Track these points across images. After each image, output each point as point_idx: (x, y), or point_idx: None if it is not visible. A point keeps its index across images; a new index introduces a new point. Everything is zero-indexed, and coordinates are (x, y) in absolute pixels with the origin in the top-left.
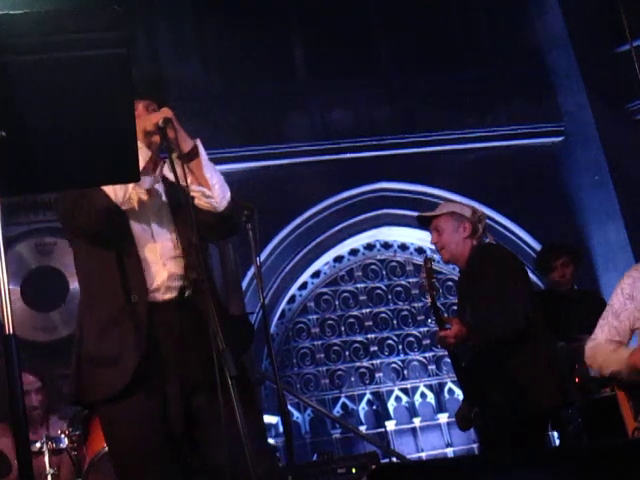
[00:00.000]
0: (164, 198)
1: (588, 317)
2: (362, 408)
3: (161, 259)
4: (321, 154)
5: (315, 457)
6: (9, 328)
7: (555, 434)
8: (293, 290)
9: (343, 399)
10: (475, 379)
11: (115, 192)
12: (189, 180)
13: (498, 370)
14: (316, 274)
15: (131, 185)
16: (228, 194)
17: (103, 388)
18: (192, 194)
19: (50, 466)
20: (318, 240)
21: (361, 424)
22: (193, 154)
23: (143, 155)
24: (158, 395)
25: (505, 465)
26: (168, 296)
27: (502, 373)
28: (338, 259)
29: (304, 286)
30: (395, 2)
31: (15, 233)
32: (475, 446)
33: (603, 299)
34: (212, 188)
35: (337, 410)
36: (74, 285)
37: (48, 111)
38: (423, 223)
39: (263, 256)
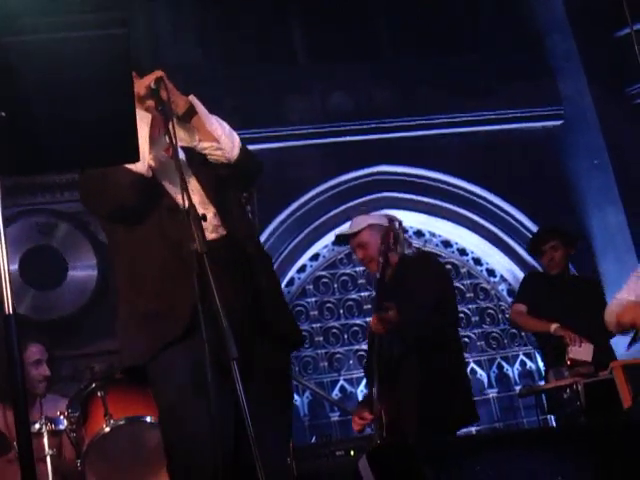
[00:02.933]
0: (182, 153)
1: (578, 303)
2: (360, 391)
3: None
4: (321, 137)
5: (314, 440)
6: (9, 308)
7: (552, 417)
8: (292, 273)
9: (342, 382)
10: (389, 381)
11: (134, 164)
12: (197, 138)
13: (412, 377)
14: (315, 257)
15: (146, 153)
16: (237, 142)
17: (160, 338)
18: (204, 152)
19: (49, 447)
20: (317, 223)
21: None
22: (191, 112)
23: (145, 120)
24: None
25: (504, 444)
26: (215, 235)
27: (416, 381)
28: None
29: (303, 269)
30: None
31: (13, 212)
32: (474, 429)
33: (601, 287)
34: (219, 140)
35: (336, 393)
36: (73, 267)
37: (47, 91)
38: (341, 242)
39: (262, 239)
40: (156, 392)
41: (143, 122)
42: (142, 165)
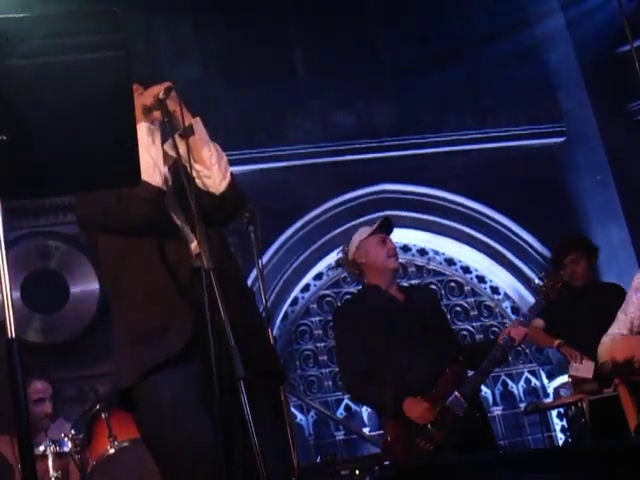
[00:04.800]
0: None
1: (601, 312)
2: (365, 410)
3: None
4: (322, 156)
5: (319, 459)
6: (11, 332)
7: (559, 434)
8: (296, 292)
9: (346, 401)
10: None
11: (152, 177)
12: (192, 158)
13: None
14: (318, 276)
15: (162, 166)
16: (228, 176)
17: (151, 358)
18: (194, 173)
19: (54, 469)
20: (320, 242)
21: (364, 426)
22: (191, 131)
23: (156, 134)
24: (199, 361)
25: (507, 466)
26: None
27: None
28: None
29: (307, 288)
30: (395, 2)
31: (15, 236)
32: None
33: (623, 291)
34: (210, 168)
35: (340, 412)
36: (75, 289)
37: (48, 114)
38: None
39: (265, 259)
40: (144, 413)
41: (155, 136)
42: (159, 177)
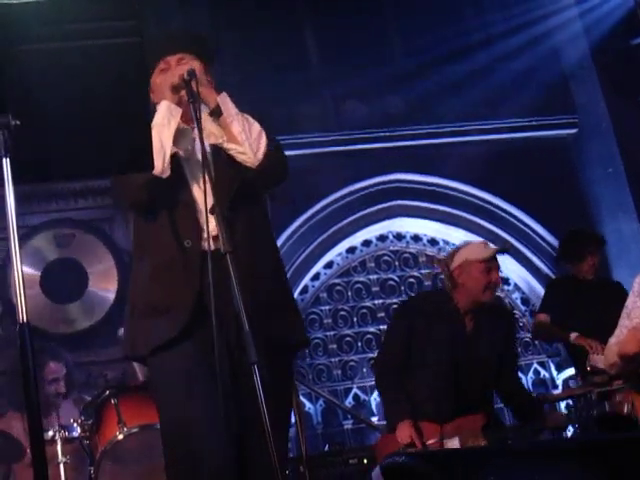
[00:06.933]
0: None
1: (609, 306)
2: (374, 399)
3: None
4: (334, 145)
5: (327, 448)
6: (23, 316)
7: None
8: (306, 281)
9: (355, 390)
10: None
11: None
12: (225, 138)
13: None
14: (329, 265)
15: (168, 151)
16: (262, 147)
17: (154, 338)
18: (229, 152)
19: (63, 455)
20: (331, 231)
21: (373, 415)
22: (219, 110)
23: (175, 114)
24: (207, 347)
25: (516, 455)
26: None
27: None
28: (351, 250)
29: (317, 277)
30: None
31: (34, 223)
32: None
33: (625, 290)
34: (242, 144)
35: (349, 401)
36: (93, 278)
37: (61, 100)
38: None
39: None
40: (152, 389)
41: (172, 117)
42: (160, 165)
